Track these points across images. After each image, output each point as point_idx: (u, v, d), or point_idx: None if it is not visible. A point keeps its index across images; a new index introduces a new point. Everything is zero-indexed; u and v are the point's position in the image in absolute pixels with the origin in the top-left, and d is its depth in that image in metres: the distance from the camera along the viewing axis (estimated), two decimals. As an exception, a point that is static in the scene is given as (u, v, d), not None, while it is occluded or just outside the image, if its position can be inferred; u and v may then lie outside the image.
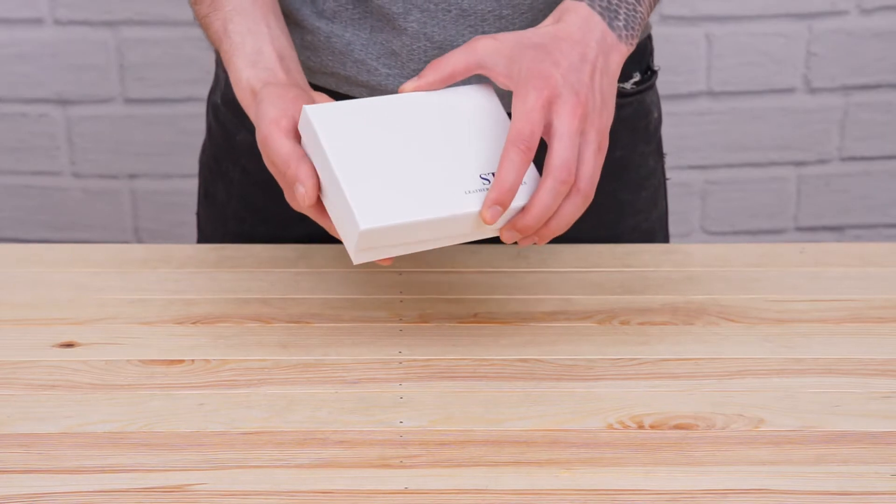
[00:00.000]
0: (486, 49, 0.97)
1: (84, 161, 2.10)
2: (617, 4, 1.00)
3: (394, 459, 0.92)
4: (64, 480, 0.90)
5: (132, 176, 2.12)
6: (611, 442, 0.94)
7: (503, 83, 0.97)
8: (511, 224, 0.96)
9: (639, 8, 1.02)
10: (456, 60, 0.98)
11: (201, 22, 1.08)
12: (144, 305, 1.11)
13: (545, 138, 0.95)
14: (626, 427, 0.96)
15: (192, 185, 1.40)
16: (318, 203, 0.96)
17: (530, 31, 0.99)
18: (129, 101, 2.07)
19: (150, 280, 1.15)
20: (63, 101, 2.06)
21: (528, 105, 0.94)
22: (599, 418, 0.97)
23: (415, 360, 1.04)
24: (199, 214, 1.35)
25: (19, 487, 0.89)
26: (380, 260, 0.96)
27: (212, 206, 1.31)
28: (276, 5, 1.08)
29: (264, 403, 0.98)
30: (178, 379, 1.01)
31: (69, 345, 1.05)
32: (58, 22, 2.02)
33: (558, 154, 0.93)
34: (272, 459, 0.92)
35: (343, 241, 0.95)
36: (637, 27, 1.01)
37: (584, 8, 0.99)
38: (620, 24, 1.00)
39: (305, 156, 0.95)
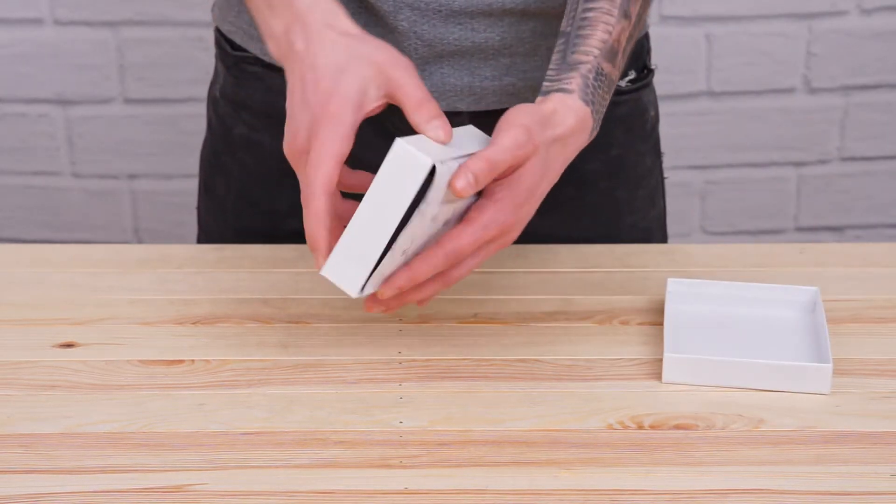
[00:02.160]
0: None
1: (84, 161, 2.10)
2: (599, 98, 1.00)
3: (394, 459, 0.92)
4: (64, 480, 0.90)
5: (132, 176, 2.12)
6: (611, 442, 0.94)
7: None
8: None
9: (607, 99, 1.02)
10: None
11: None
12: (144, 305, 1.11)
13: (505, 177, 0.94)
14: (626, 427, 0.96)
15: (193, 184, 1.40)
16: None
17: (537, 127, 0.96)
18: (129, 101, 2.07)
19: (150, 280, 1.15)
20: (63, 101, 2.06)
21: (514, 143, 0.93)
22: (599, 418, 0.97)
23: (415, 360, 1.04)
24: (199, 208, 1.35)
25: (20, 488, 0.89)
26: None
27: (211, 200, 1.31)
28: None
29: (264, 403, 0.98)
30: (178, 379, 1.01)
31: (69, 345, 1.05)
32: (58, 22, 2.02)
33: (494, 217, 0.93)
34: (272, 459, 0.92)
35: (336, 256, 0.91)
36: (601, 117, 1.01)
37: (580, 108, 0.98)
38: (597, 116, 1.00)
39: (336, 227, 0.92)
